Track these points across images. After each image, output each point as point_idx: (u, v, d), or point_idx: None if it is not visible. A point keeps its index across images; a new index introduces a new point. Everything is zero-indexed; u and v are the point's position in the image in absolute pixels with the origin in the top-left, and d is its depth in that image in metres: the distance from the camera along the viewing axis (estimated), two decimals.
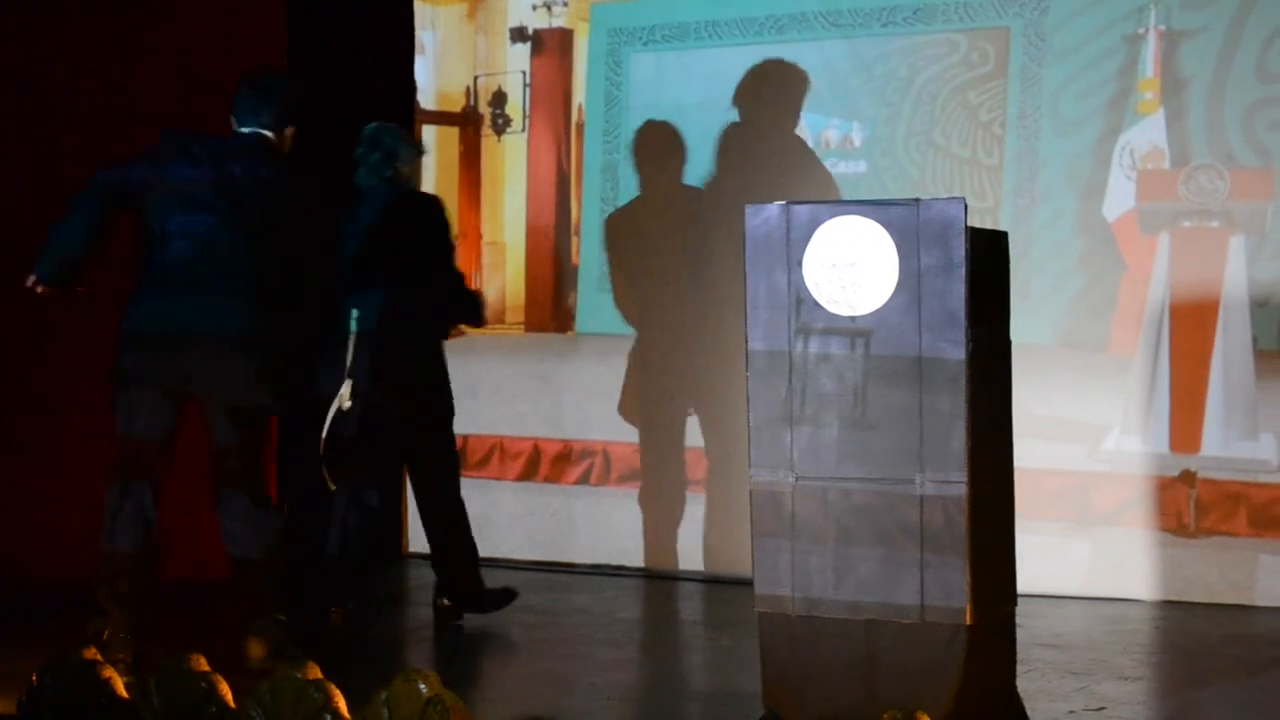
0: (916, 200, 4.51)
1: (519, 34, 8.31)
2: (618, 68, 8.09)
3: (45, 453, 7.59)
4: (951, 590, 4.46)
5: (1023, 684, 4.99)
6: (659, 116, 8.00)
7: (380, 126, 6.71)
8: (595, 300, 8.19)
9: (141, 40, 7.55)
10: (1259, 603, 6.97)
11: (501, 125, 8.34)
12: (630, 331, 8.03)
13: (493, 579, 6.96)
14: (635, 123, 8.05)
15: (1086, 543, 7.25)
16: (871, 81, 7.64)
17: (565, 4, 8.21)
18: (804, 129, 7.73)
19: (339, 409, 6.44)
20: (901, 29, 7.57)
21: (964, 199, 4.51)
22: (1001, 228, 6.96)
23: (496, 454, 8.27)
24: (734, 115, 7.83)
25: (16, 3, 7.71)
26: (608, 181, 8.15)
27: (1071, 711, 5.23)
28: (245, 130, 5.91)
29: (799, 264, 4.58)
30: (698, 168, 7.93)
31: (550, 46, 8.26)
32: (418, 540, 8.36)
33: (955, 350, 4.45)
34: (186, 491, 6.34)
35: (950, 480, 4.46)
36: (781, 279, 4.60)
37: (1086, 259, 7.31)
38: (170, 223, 5.77)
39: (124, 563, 5.72)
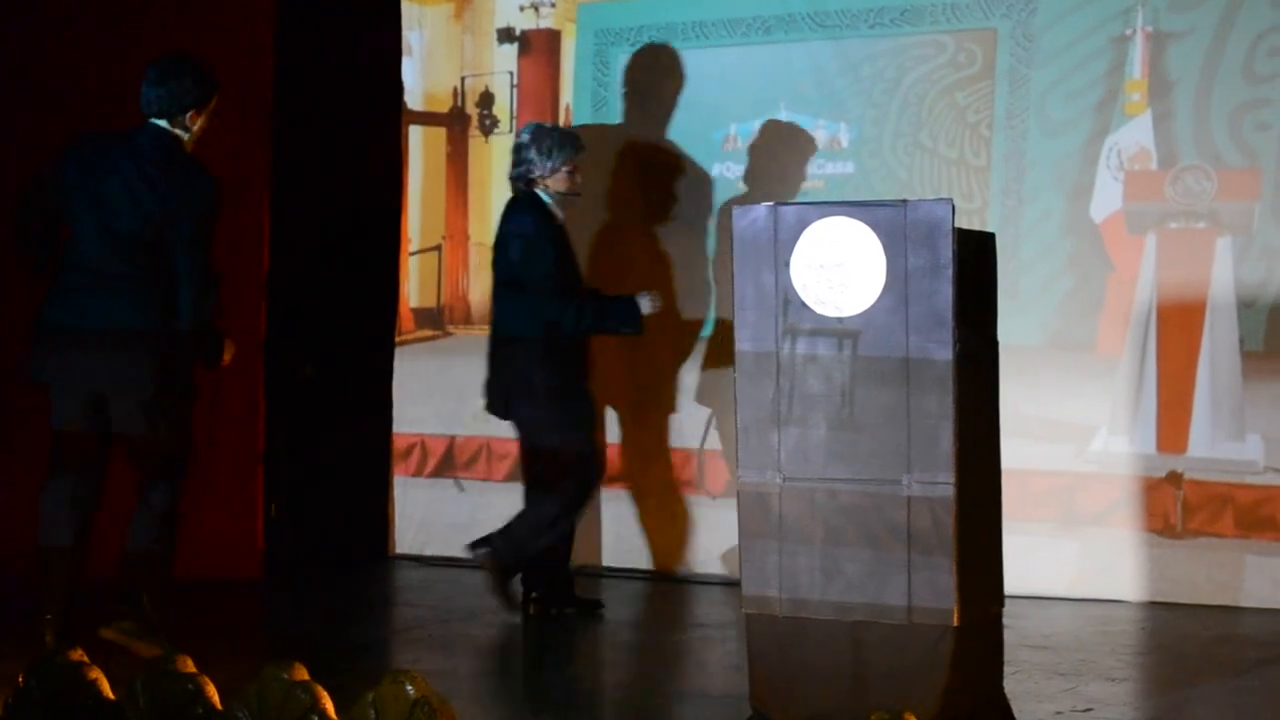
0: (904, 201, 4.51)
1: (506, 35, 8.30)
2: (605, 68, 8.08)
3: (23, 453, 7.55)
4: (939, 591, 4.46)
5: (1010, 685, 4.99)
6: None
7: None
8: None
9: (130, 43, 7.54)
10: (1245, 603, 6.97)
11: (489, 126, 8.33)
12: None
13: (477, 581, 6.96)
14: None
15: (1074, 543, 7.25)
16: (859, 82, 7.64)
17: (552, 5, 8.20)
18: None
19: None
20: (889, 30, 7.57)
21: (951, 200, 4.51)
22: (989, 229, 6.97)
23: (484, 455, 8.25)
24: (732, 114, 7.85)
25: (17, 2, 7.74)
26: None
27: (1059, 712, 5.23)
28: (150, 122, 5.99)
29: (786, 265, 4.58)
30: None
31: (537, 47, 8.25)
32: (405, 541, 8.37)
33: (942, 351, 4.45)
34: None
35: (937, 481, 4.46)
36: (769, 280, 4.60)
37: (1074, 260, 7.31)
38: (79, 222, 5.91)
39: (56, 559, 5.85)
